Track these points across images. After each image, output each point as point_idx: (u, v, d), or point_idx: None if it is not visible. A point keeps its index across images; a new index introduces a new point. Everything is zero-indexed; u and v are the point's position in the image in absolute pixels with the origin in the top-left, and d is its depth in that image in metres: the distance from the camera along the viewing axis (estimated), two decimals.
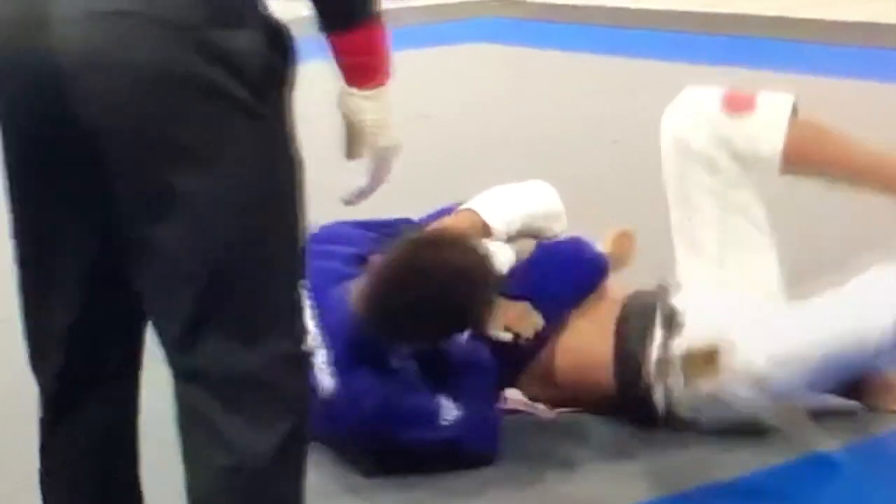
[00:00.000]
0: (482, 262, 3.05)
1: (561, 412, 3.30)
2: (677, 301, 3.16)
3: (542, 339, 3.21)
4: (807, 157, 3.01)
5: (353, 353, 3.01)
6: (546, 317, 3.20)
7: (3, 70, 1.89)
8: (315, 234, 3.21)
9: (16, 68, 1.86)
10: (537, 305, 3.20)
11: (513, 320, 3.17)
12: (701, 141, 3.09)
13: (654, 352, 3.11)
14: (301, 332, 2.06)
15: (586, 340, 3.25)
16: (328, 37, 2.14)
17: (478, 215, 3.31)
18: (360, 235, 3.27)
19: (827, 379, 3.00)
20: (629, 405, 3.15)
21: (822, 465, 2.97)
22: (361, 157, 2.29)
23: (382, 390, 3.00)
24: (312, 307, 2.95)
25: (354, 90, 2.20)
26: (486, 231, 3.30)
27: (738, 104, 3.09)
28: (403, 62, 7.46)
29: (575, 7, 10.13)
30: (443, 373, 3.10)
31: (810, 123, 3.00)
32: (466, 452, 3.04)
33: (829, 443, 3.03)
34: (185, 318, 1.94)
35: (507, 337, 3.14)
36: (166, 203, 1.86)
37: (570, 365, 3.24)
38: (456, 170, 5.57)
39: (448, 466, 3.03)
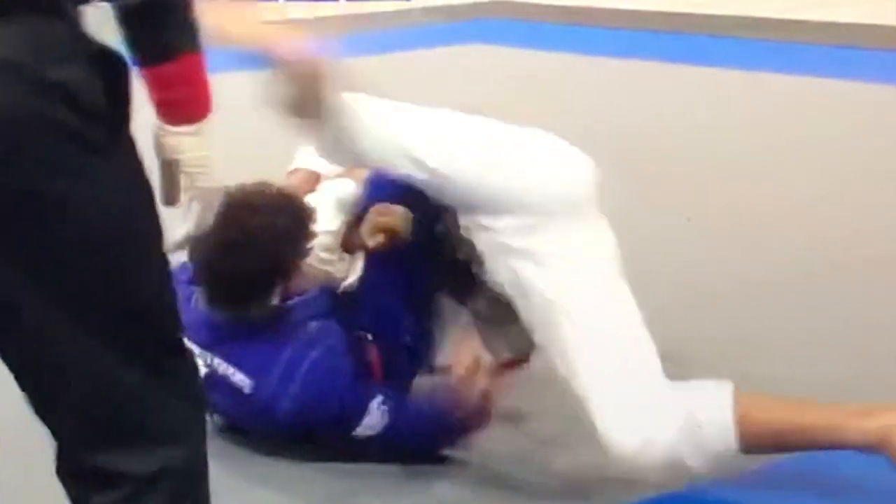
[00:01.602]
0: (286, 208, 3.00)
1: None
2: None
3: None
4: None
5: (252, 346, 2.96)
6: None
7: None
8: None
9: None
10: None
11: (385, 219, 3.07)
12: None
13: None
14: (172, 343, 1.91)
15: None
16: (141, 70, 1.94)
17: (307, 169, 3.34)
18: None
19: None
20: None
21: (810, 466, 2.97)
22: (181, 203, 2.10)
23: (298, 391, 2.91)
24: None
25: (172, 127, 2.02)
26: (317, 179, 3.33)
27: None
28: (404, 63, 7.49)
29: (575, 8, 10.12)
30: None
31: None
32: (401, 446, 2.95)
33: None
34: None
35: (378, 240, 3.05)
36: (27, 248, 1.72)
37: None
38: None
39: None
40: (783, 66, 7.70)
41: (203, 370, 2.88)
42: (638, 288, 3.17)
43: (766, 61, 7.90)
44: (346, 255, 3.26)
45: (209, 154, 2.06)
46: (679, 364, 2.89)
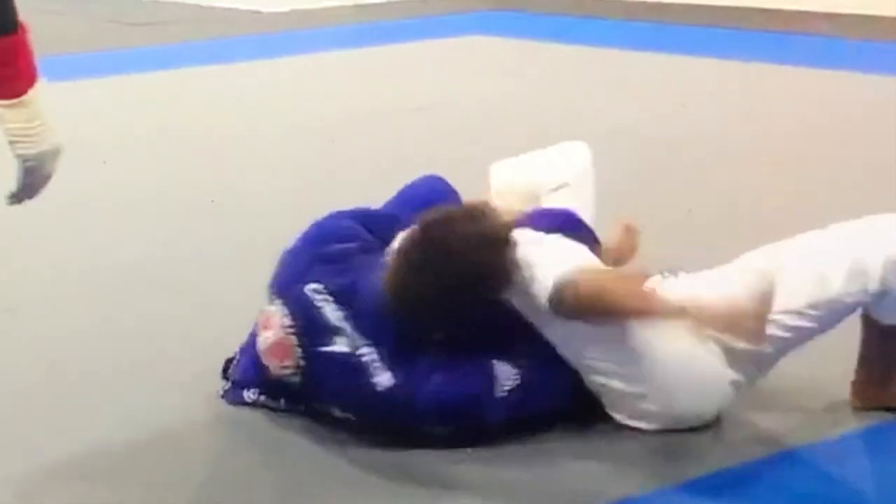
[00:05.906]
0: (496, 224, 3.03)
1: None
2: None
3: None
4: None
5: (399, 344, 2.98)
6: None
7: None
8: (312, 234, 3.22)
9: None
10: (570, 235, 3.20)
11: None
12: None
13: None
14: None
15: None
16: None
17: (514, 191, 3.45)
18: (356, 229, 3.25)
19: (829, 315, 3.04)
20: None
21: (804, 459, 3.00)
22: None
23: (435, 379, 2.97)
24: (341, 308, 2.99)
25: None
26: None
27: None
28: (407, 54, 7.45)
29: None
30: (499, 338, 3.07)
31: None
32: (531, 416, 3.03)
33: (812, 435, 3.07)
34: None
35: None
36: None
37: None
38: (453, 160, 5.59)
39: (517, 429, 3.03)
40: (782, 57, 7.71)
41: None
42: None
43: (766, 52, 7.91)
44: None
45: (29, 126, 2.32)
46: None
